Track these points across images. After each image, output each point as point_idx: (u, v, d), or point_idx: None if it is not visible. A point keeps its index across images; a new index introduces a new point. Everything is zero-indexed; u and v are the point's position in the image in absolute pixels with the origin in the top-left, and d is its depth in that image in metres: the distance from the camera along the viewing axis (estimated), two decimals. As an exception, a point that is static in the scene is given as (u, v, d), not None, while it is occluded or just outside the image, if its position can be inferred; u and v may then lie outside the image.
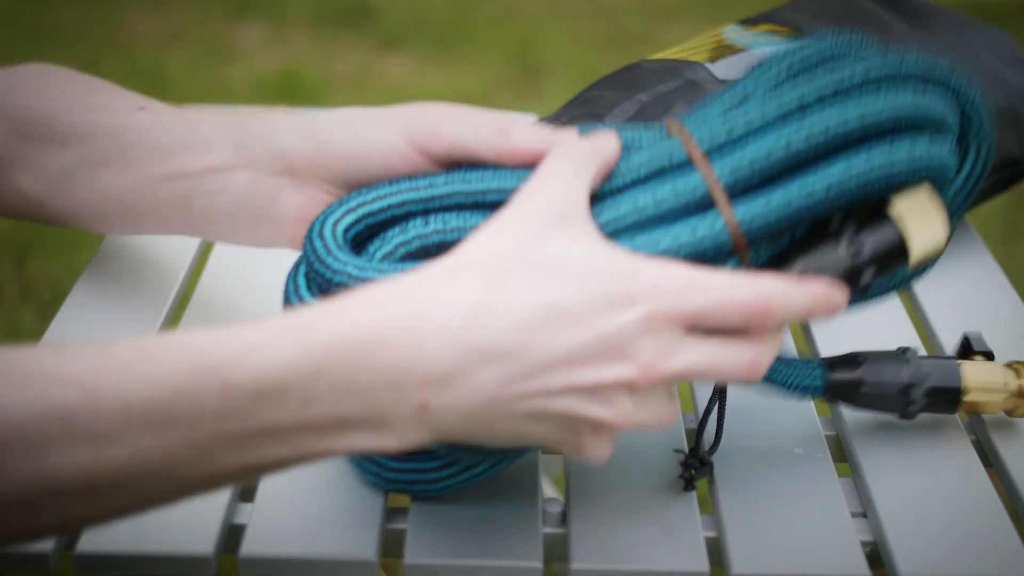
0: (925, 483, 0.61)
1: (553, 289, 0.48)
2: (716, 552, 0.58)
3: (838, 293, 0.51)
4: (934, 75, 0.55)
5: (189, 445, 0.45)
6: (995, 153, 0.57)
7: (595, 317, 0.48)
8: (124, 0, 2.58)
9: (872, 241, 0.53)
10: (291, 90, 2.24)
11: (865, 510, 0.61)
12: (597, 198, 0.54)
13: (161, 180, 0.62)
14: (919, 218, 0.53)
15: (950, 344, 0.72)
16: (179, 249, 0.78)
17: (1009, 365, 0.64)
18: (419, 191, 0.55)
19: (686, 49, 0.80)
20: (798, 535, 0.58)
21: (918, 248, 0.53)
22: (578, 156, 0.53)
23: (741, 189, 0.52)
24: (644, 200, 0.52)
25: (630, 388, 0.49)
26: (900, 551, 0.57)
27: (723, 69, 0.77)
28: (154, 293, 0.73)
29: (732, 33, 0.82)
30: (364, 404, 0.47)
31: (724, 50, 0.79)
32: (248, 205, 0.61)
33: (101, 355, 0.46)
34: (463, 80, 2.31)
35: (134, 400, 0.44)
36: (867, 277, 0.53)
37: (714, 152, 0.53)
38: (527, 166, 0.55)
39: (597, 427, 0.49)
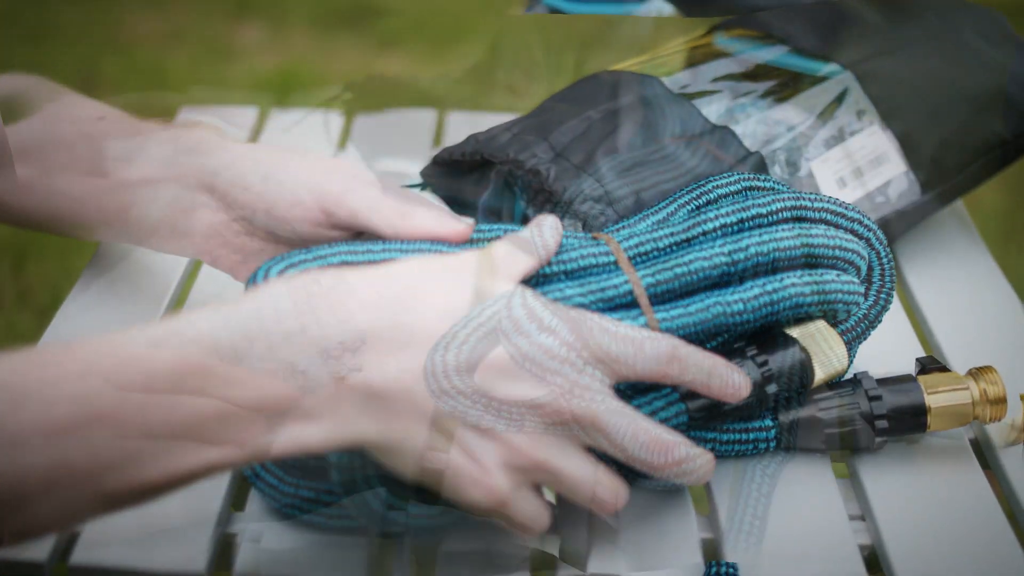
0: (923, 486, 0.61)
1: (482, 301, 0.51)
2: (712, 554, 0.58)
3: (741, 376, 0.54)
4: (847, 213, 0.59)
5: (114, 449, 0.45)
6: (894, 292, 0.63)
7: (517, 335, 0.50)
8: (124, 0, 2.58)
9: (775, 360, 0.58)
10: (291, 90, 2.24)
11: (863, 513, 0.60)
12: (525, 281, 0.56)
13: (106, 190, 0.65)
14: (820, 343, 0.58)
15: (950, 345, 0.72)
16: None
17: (969, 373, 0.62)
18: (357, 254, 0.58)
19: (657, 57, 0.79)
20: (796, 538, 0.58)
21: (820, 373, 0.59)
22: (526, 244, 0.56)
23: (663, 293, 0.56)
24: (572, 291, 0.56)
25: (541, 414, 0.50)
26: (898, 554, 0.57)
27: (684, 80, 0.75)
28: (149, 298, 0.73)
29: (705, 39, 0.82)
30: (283, 376, 0.47)
31: (696, 56, 0.78)
32: (171, 216, 0.64)
33: (27, 360, 0.46)
34: (462, 80, 2.31)
35: (58, 401, 0.44)
36: (772, 389, 0.58)
37: (639, 259, 0.57)
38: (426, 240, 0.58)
39: (508, 454, 0.50)
